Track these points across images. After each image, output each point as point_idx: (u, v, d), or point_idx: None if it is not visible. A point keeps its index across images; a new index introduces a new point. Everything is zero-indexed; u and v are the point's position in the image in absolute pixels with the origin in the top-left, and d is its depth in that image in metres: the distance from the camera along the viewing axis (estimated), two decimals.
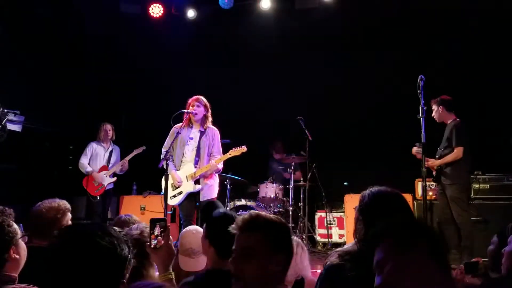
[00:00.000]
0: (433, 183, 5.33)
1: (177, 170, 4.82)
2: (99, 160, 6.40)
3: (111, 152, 6.48)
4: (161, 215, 4.47)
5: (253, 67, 7.47)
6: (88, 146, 6.44)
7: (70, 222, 2.72)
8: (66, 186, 6.62)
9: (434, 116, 5.19)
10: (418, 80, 4.25)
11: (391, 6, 6.74)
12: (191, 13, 7.63)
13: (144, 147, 6.43)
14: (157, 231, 2.01)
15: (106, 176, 6.34)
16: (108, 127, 6.50)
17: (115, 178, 6.42)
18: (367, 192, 2.06)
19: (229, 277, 1.99)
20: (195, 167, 4.76)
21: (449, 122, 5.18)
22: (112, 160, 6.46)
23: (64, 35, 7.17)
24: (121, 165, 6.40)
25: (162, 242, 2.01)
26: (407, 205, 2.04)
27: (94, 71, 7.58)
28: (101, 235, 1.32)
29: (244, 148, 4.79)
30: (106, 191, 6.34)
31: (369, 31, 7.00)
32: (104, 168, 6.39)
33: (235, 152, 4.79)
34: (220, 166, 4.84)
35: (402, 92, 5.81)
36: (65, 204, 2.76)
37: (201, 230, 3.25)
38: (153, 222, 2.02)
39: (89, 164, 6.35)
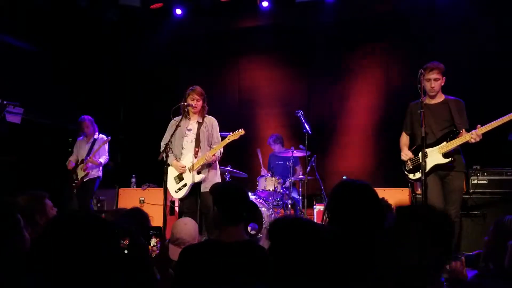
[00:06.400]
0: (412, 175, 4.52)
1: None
2: (82, 153, 6.40)
3: (92, 144, 6.39)
4: (161, 208, 4.48)
5: (252, 60, 7.45)
6: (75, 143, 6.51)
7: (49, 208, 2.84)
8: (64, 179, 6.61)
9: (432, 87, 4.27)
10: (419, 73, 4.19)
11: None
12: (178, 11, 7.56)
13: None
14: (153, 242, 1.99)
15: (80, 169, 6.29)
16: (87, 119, 6.45)
17: (86, 172, 6.23)
18: (338, 183, 2.15)
19: (222, 249, 2.09)
20: (195, 158, 4.73)
21: (444, 98, 4.41)
22: (91, 152, 6.34)
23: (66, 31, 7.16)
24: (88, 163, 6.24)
25: (157, 252, 1.98)
26: (375, 198, 2.08)
27: (93, 63, 7.56)
28: (86, 224, 1.35)
29: (242, 131, 4.71)
30: (83, 183, 6.26)
31: (369, 24, 6.98)
32: (82, 161, 6.35)
33: (233, 136, 4.70)
34: (218, 154, 4.77)
35: (403, 84, 5.81)
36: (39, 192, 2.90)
37: (193, 221, 3.33)
38: (148, 231, 1.99)
39: (77, 158, 6.41)
